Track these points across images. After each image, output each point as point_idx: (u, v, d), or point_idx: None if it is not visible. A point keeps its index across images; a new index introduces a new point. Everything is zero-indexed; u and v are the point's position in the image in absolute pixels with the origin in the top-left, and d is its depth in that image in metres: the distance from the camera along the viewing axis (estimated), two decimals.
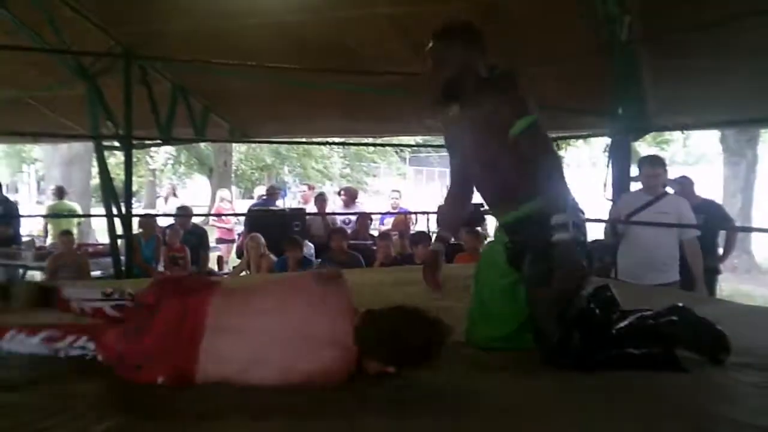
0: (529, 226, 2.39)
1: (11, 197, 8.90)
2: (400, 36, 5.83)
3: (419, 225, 8.71)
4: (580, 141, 17.93)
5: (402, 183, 22.05)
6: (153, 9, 5.68)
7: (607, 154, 5.49)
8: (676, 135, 19.27)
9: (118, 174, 9.24)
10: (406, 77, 6.39)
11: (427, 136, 14.17)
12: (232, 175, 18.93)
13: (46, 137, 9.78)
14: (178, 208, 8.53)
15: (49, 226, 9.25)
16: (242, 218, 9.66)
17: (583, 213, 2.44)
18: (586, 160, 20.01)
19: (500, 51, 5.77)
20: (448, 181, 4.10)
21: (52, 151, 13.76)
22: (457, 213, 2.82)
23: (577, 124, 7.15)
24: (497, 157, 2.41)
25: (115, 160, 11.29)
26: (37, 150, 22.15)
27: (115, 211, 6.22)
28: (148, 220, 7.39)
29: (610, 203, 5.16)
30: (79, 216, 9.53)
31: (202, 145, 17.61)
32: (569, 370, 2.19)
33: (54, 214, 9.09)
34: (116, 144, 6.62)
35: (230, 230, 10.01)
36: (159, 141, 7.85)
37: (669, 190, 4.90)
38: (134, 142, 6.66)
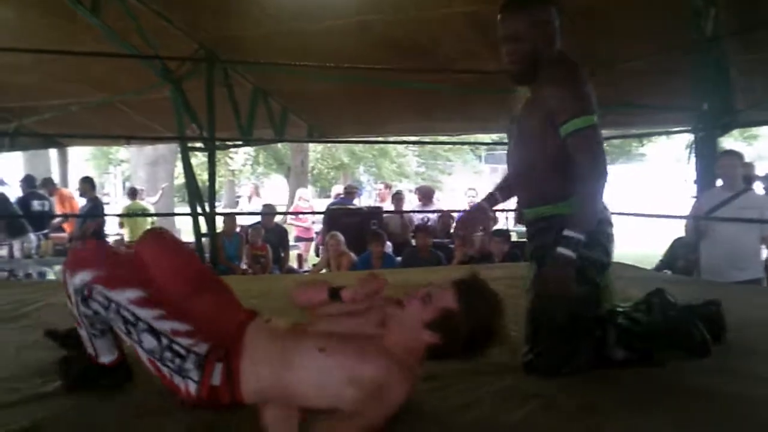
0: (544, 231, 2.27)
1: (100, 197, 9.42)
2: (477, 34, 5.81)
3: (500, 223, 8.67)
4: (663, 137, 17.47)
5: (477, 181, 21.95)
6: (234, 14, 5.84)
7: (690, 149, 5.34)
8: (764, 130, 18.52)
9: (199, 174, 9.56)
10: (482, 75, 6.38)
11: (503, 133, 14.05)
12: (309, 175, 19.22)
13: (136, 139, 10.17)
14: (264, 206, 8.76)
15: (125, 226, 9.89)
16: (319, 217, 9.83)
17: (611, 225, 2.28)
18: (669, 156, 19.45)
19: (583, 49, 5.73)
20: None
21: (138, 152, 14.29)
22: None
23: (661, 120, 7.00)
24: (539, 148, 2.24)
25: (196, 160, 11.67)
26: (122, 151, 23.03)
27: (199, 210, 6.43)
28: (229, 218, 7.61)
29: (694, 200, 5.05)
30: (161, 215, 9.94)
31: (280, 145, 17.96)
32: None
33: (133, 213, 9.58)
34: (200, 145, 6.83)
35: (308, 229, 10.17)
36: (240, 142, 8.06)
37: (758, 185, 4.77)
38: (217, 143, 6.88)
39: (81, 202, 8.74)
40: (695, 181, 5.24)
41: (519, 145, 2.38)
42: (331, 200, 10.84)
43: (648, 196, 14.63)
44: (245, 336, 1.86)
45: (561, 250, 2.06)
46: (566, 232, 2.07)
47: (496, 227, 7.68)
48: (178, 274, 1.98)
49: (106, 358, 1.98)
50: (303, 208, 10.64)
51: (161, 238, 2.10)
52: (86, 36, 5.88)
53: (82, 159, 21.87)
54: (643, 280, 4.05)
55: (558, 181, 2.21)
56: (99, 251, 1.95)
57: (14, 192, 9.04)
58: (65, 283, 1.85)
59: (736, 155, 4.64)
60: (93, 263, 1.82)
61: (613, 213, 2.36)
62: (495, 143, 19.82)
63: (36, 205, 8.33)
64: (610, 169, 2.22)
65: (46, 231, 8.43)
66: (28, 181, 8.85)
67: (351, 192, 9.93)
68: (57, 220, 9.18)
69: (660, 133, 8.00)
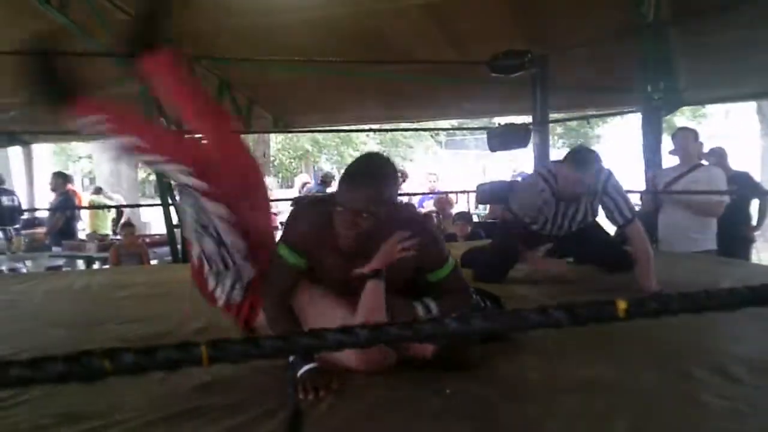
0: None
1: None
2: (434, 24, 6.04)
3: (460, 205, 8.96)
4: (618, 118, 17.95)
5: (438, 167, 22.30)
6: (199, 8, 5.98)
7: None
8: (714, 109, 19.11)
9: None
10: (440, 64, 6.63)
11: (462, 119, 14.34)
12: (271, 166, 19.30)
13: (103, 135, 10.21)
14: None
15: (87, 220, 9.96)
16: (284, 206, 9.98)
17: None
18: (625, 136, 20.05)
19: (532, 35, 6.01)
20: (484, 163, 4.42)
21: (101, 148, 14.22)
22: None
23: (615, 102, 7.33)
24: None
25: None
26: (82, 147, 22.76)
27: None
28: None
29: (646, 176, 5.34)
30: (134, 206, 10.07)
31: (242, 136, 18.04)
32: None
33: (103, 206, 9.65)
34: None
35: (274, 218, 10.31)
36: None
37: (705, 162, 5.04)
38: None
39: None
40: (644, 158, 5.53)
41: None
42: (295, 190, 10.98)
43: None
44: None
45: None
46: None
47: (458, 210, 7.99)
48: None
49: None
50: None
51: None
52: (51, 33, 5.97)
53: (42, 156, 21.64)
54: None
55: None
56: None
57: None
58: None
59: (689, 131, 4.84)
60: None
61: None
62: (454, 129, 20.29)
63: (5, 200, 8.38)
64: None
65: (17, 226, 8.49)
66: None
67: (327, 181, 10.04)
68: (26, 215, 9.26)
69: (610, 114, 8.35)
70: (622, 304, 0.70)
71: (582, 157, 3.38)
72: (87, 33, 5.83)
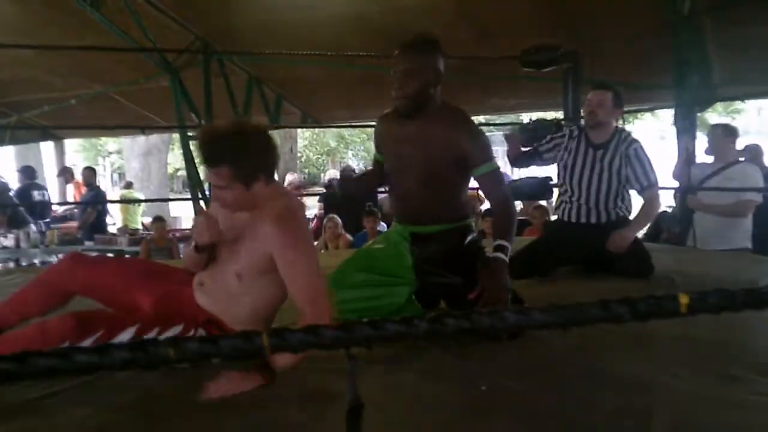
0: (454, 237, 2.53)
1: None
2: (465, 21, 6.00)
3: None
4: (648, 114, 17.74)
5: None
6: (229, 4, 6.03)
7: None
8: (748, 105, 18.81)
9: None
10: (469, 61, 6.59)
11: (490, 115, 14.23)
12: (298, 161, 19.38)
13: (136, 129, 10.32)
14: None
15: (118, 214, 10.08)
16: (310, 202, 10.02)
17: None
18: (655, 134, 19.83)
19: (566, 31, 5.95)
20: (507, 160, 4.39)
21: (131, 143, 14.40)
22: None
23: (645, 98, 7.24)
24: (445, 181, 2.49)
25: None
26: (111, 143, 23.03)
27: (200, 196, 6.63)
28: None
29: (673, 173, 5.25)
30: (166, 200, 10.20)
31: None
32: None
33: (136, 200, 9.75)
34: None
35: None
36: None
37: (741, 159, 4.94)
38: None
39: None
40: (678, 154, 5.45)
41: (417, 173, 2.50)
42: (322, 186, 11.04)
43: None
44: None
45: (496, 254, 2.33)
46: (499, 242, 2.36)
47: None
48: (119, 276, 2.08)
49: None
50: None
51: (81, 257, 2.19)
52: (85, 29, 6.04)
53: (72, 151, 21.94)
54: None
55: (463, 205, 2.62)
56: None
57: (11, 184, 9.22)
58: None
59: (724, 128, 4.74)
60: (89, 331, 1.82)
61: None
62: (481, 125, 20.27)
63: (36, 195, 8.50)
64: None
65: (47, 220, 8.61)
66: (26, 172, 8.97)
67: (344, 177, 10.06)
68: (61, 210, 9.40)
69: (644, 110, 8.25)
70: (684, 299, 0.69)
71: (600, 81, 3.62)
72: (120, 30, 5.89)
